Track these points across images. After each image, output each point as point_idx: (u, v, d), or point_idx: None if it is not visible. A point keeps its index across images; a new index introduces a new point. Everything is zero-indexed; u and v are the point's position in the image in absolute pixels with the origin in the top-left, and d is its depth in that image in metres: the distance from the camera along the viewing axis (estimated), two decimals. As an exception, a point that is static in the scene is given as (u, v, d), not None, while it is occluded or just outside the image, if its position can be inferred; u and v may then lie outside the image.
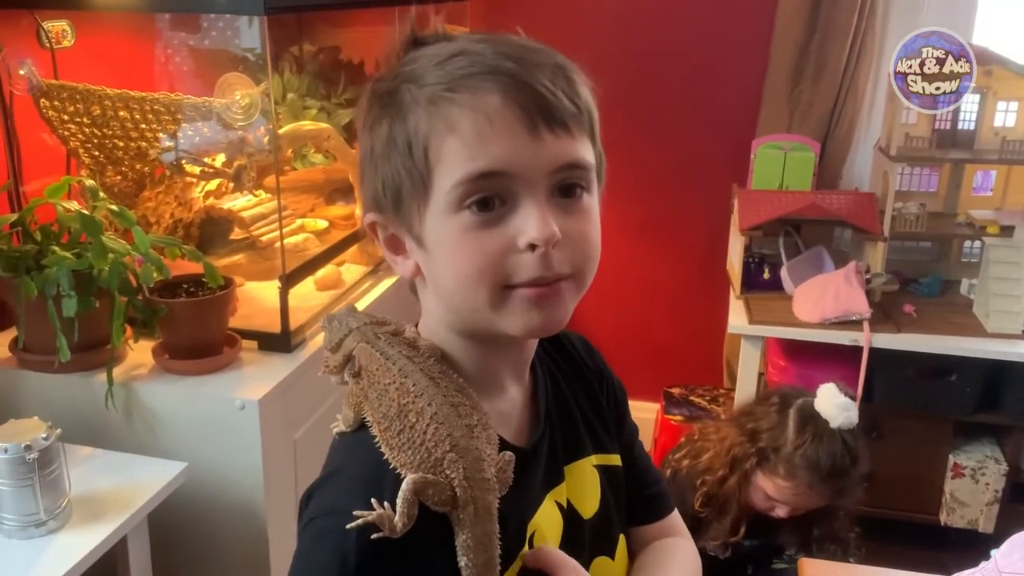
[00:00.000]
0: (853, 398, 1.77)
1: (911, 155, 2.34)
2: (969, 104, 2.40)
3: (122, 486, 1.43)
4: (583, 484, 0.88)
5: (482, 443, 0.74)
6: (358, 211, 2.15)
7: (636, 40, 2.77)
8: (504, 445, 0.78)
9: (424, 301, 0.81)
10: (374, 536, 0.68)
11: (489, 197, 0.70)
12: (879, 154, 2.46)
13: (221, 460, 1.57)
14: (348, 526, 0.68)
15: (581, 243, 0.73)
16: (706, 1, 2.70)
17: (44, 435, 1.29)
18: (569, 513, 0.85)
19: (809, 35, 2.55)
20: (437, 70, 0.71)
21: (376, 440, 0.74)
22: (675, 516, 1.02)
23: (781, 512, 1.80)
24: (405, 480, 0.71)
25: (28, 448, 1.27)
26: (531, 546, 0.80)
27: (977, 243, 2.45)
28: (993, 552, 1.16)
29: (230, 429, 1.55)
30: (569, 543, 0.84)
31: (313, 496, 0.75)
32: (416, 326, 0.83)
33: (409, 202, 0.73)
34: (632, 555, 0.95)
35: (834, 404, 1.74)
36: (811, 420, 1.74)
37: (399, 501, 0.69)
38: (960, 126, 2.41)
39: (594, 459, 0.90)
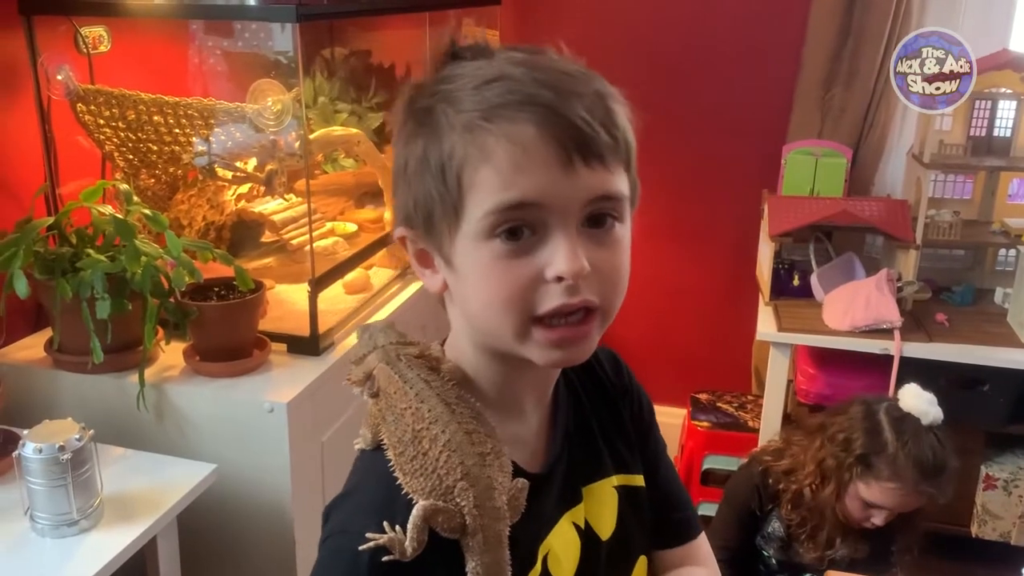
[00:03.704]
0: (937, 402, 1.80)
1: (945, 162, 2.31)
2: (1005, 111, 2.37)
3: (153, 487, 1.45)
4: (601, 505, 0.88)
5: (494, 471, 0.74)
6: (387, 215, 2.17)
7: (667, 44, 2.76)
8: (517, 471, 0.78)
9: (452, 316, 0.82)
10: (385, 559, 0.70)
11: (519, 227, 0.69)
12: (912, 161, 2.43)
13: (250, 462, 1.59)
14: (360, 548, 0.70)
15: (610, 274, 0.73)
16: (738, 5, 2.69)
17: (77, 436, 1.31)
18: (587, 534, 0.85)
19: (842, 40, 2.53)
20: (475, 95, 0.70)
21: (391, 463, 0.75)
22: (702, 542, 1.00)
23: (878, 520, 1.79)
24: (416, 507, 0.72)
25: (62, 448, 1.29)
26: (544, 567, 0.80)
27: (1012, 251, 2.41)
28: (1024, 569, 1.15)
29: (259, 431, 1.57)
30: (585, 564, 0.84)
31: (332, 513, 0.77)
32: (443, 343, 0.84)
33: (440, 224, 0.72)
34: None
35: (922, 400, 1.77)
36: (904, 420, 1.77)
37: (409, 527, 0.71)
38: (996, 133, 2.38)
39: (615, 480, 0.90)
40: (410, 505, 0.72)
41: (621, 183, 0.73)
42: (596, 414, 0.91)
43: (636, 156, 0.76)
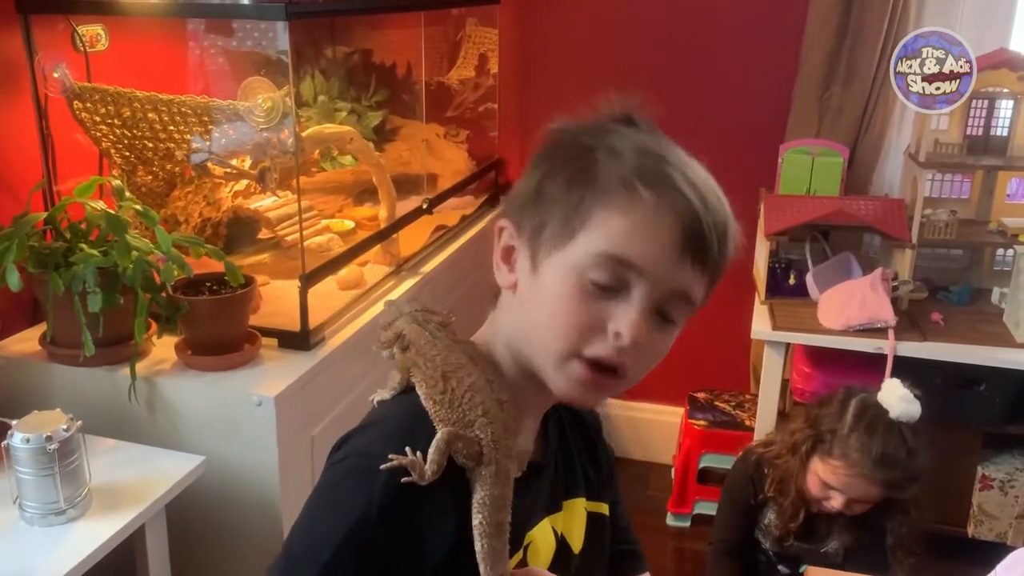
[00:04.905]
0: (919, 397, 1.82)
1: (941, 161, 2.31)
2: (1003, 110, 2.36)
3: (142, 477, 1.47)
4: (574, 521, 0.93)
5: (509, 418, 0.81)
6: (382, 212, 2.19)
7: (666, 44, 2.77)
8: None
9: (499, 311, 0.88)
10: (404, 480, 0.75)
11: (611, 280, 0.76)
12: (908, 160, 2.43)
13: (239, 454, 1.61)
14: (382, 466, 0.75)
15: (650, 355, 0.80)
16: (737, 5, 2.69)
17: (65, 426, 1.34)
18: (561, 542, 0.90)
19: (840, 39, 2.53)
20: (640, 158, 0.78)
21: (421, 398, 0.81)
22: None
23: (836, 503, 1.83)
24: (440, 431, 0.78)
25: (49, 439, 1.31)
26: (525, 555, 0.85)
27: (1010, 251, 2.40)
28: (997, 566, 1.15)
29: (248, 424, 1.59)
30: (556, 570, 0.89)
31: (348, 441, 0.81)
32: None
33: (547, 237, 0.79)
34: None
35: (895, 395, 1.80)
36: (871, 408, 1.81)
37: (431, 449, 0.76)
38: (993, 132, 2.37)
39: (585, 502, 0.96)
40: (432, 435, 0.77)
41: (700, 293, 0.81)
42: (575, 441, 0.97)
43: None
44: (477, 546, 0.76)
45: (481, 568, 0.76)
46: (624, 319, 0.76)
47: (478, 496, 0.77)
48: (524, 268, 0.81)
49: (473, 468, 0.78)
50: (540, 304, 0.79)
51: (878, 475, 1.77)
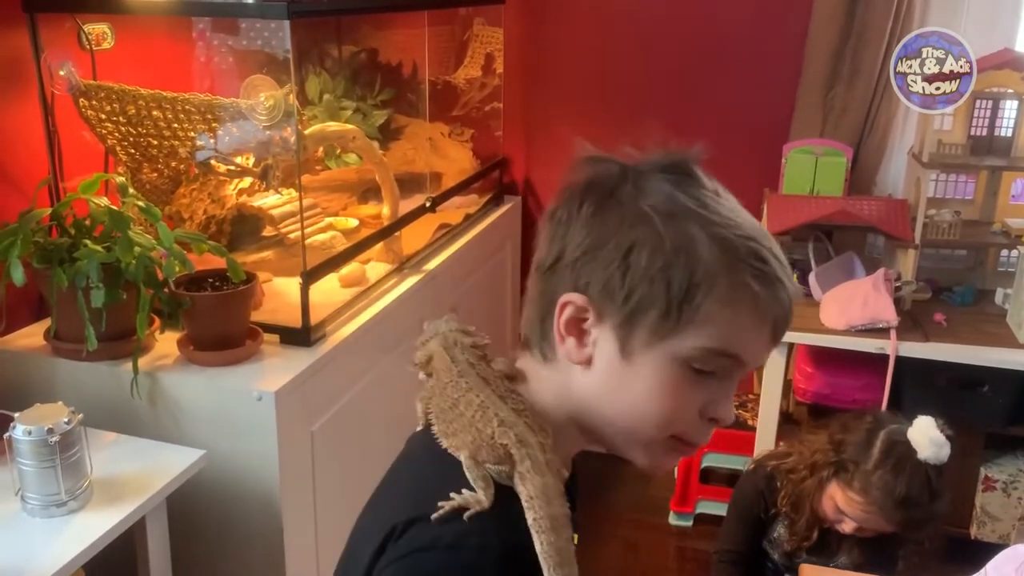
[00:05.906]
0: (951, 439, 1.76)
1: (944, 161, 2.31)
2: (1008, 111, 2.36)
3: (143, 470, 1.49)
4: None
5: (531, 422, 0.78)
6: (385, 210, 2.20)
7: (671, 44, 2.77)
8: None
9: (555, 374, 0.82)
10: (466, 515, 0.72)
11: (714, 370, 0.76)
12: (912, 160, 2.42)
13: (239, 449, 1.62)
14: (433, 516, 0.71)
15: None
16: (741, 5, 2.70)
17: (66, 419, 1.35)
18: None
19: (844, 39, 2.53)
20: (742, 242, 0.74)
21: (435, 436, 0.79)
22: None
23: (847, 528, 1.81)
24: (462, 460, 0.75)
25: (50, 431, 1.33)
26: None
27: (1014, 252, 2.40)
28: (987, 564, 1.15)
29: (248, 419, 1.61)
30: None
31: (419, 525, 0.73)
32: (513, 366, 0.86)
33: (645, 325, 0.74)
34: None
35: (927, 436, 1.74)
36: (899, 446, 1.75)
37: (468, 476, 0.74)
38: (997, 132, 2.37)
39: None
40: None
41: None
42: None
43: None
44: (537, 547, 0.72)
45: (544, 570, 0.71)
46: (724, 407, 0.77)
47: (525, 495, 0.74)
48: (608, 352, 0.77)
49: (511, 473, 0.75)
50: (635, 393, 0.76)
51: (896, 516, 1.73)
